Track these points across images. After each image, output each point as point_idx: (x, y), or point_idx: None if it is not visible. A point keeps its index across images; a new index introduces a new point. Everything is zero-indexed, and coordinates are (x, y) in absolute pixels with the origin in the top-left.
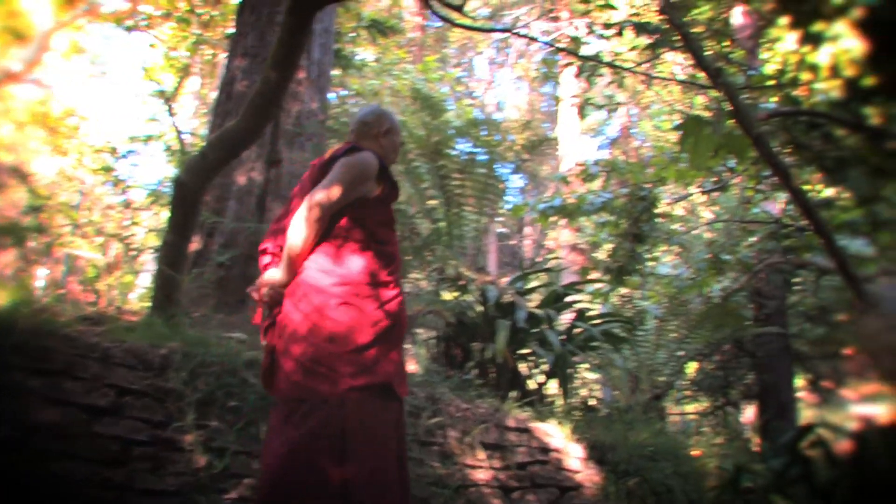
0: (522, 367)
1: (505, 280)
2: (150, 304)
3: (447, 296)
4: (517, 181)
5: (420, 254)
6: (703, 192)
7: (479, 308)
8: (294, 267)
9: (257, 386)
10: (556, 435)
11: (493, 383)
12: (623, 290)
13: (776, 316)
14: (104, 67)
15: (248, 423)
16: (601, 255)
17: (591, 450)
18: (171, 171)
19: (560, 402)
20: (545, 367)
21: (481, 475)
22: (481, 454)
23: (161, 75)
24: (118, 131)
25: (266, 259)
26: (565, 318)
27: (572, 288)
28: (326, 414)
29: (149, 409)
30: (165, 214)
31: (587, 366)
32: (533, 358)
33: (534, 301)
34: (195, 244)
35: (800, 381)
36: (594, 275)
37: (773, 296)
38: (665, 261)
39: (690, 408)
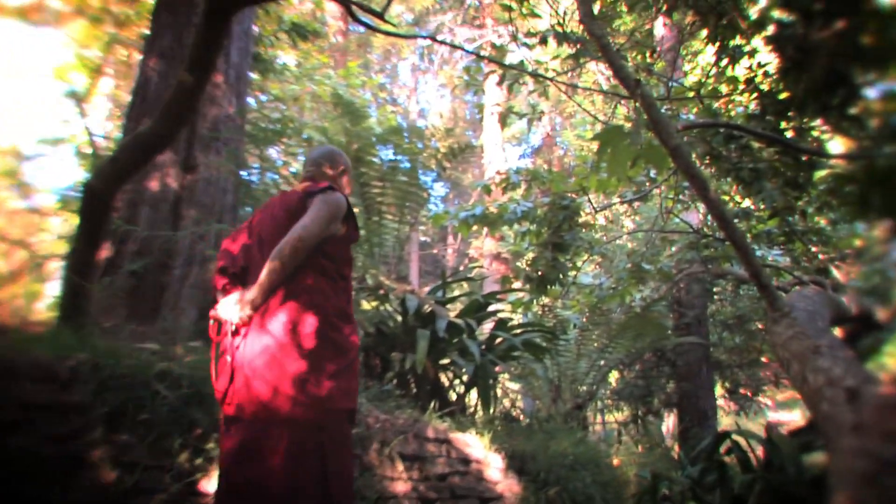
0: (443, 378)
1: (426, 289)
2: (57, 313)
3: (367, 305)
4: (439, 189)
5: None
6: (624, 202)
7: (399, 318)
8: (270, 292)
9: (170, 398)
10: (477, 446)
11: (412, 394)
12: (545, 300)
13: (696, 325)
14: (10, 66)
15: (159, 437)
16: (523, 264)
17: (512, 460)
18: (81, 175)
19: (481, 412)
20: (466, 377)
21: (400, 487)
22: (400, 466)
23: (72, 75)
24: (26, 133)
25: (222, 280)
26: (487, 327)
27: (494, 297)
28: (304, 437)
29: (55, 423)
30: (75, 221)
31: (508, 376)
32: (453, 368)
33: (455, 310)
34: (106, 252)
35: (719, 390)
36: (516, 284)
37: (692, 305)
38: (587, 270)
39: (612, 417)
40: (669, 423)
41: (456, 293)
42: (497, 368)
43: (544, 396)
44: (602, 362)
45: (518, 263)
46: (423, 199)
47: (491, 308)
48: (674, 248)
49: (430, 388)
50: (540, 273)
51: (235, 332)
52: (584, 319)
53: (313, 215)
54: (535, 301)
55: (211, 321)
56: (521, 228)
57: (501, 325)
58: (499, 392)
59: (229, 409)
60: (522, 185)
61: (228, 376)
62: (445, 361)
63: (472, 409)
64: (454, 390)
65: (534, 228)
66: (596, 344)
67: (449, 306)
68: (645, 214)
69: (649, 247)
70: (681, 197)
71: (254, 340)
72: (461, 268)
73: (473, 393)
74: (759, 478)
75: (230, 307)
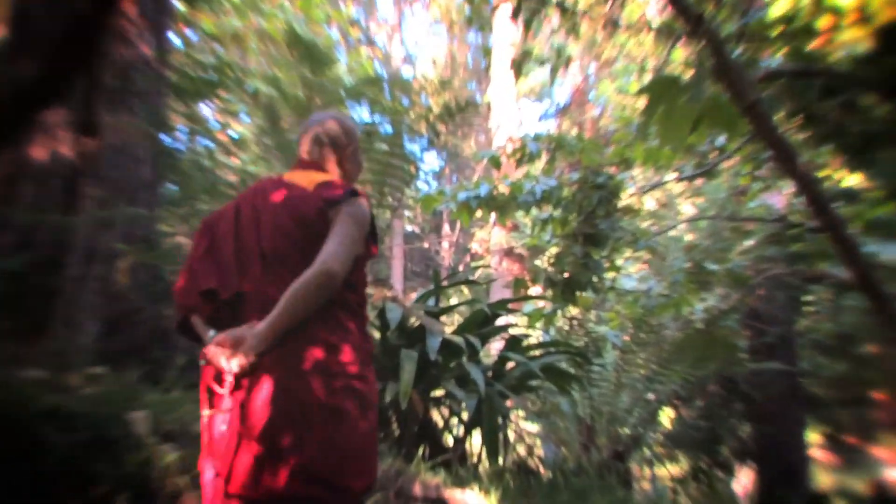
0: (435, 415)
1: (413, 296)
2: None
3: None
4: (432, 162)
5: None
6: (681, 180)
7: (377, 334)
8: (283, 336)
9: (61, 446)
10: None
11: (394, 437)
12: (573, 311)
13: (780, 347)
14: None
15: (43, 499)
16: (543, 262)
17: None
18: None
19: (486, 462)
20: (466, 414)
21: None
22: None
23: None
24: None
25: (206, 307)
26: (494, 347)
27: (504, 307)
28: None
29: None
30: None
31: (523, 413)
32: (449, 402)
33: (452, 325)
34: None
35: (813, 435)
36: (534, 290)
37: (775, 319)
38: (630, 271)
39: (664, 471)
40: (744, 480)
41: (454, 301)
42: (508, 403)
43: (572, 441)
44: (651, 396)
45: (537, 262)
46: (410, 176)
47: (500, 322)
48: (749, 242)
49: (417, 429)
50: (566, 275)
51: (235, 385)
52: (627, 338)
53: (344, 240)
54: (559, 312)
55: (202, 362)
56: (542, 215)
57: (514, 344)
58: (511, 435)
59: (234, 488)
60: (543, 157)
61: (231, 445)
62: (439, 393)
63: (474, 458)
64: (450, 432)
65: (558, 214)
66: (643, 371)
67: (444, 319)
68: (710, 196)
69: (715, 240)
70: (759, 172)
71: (267, 398)
72: (460, 268)
73: (476, 436)
74: None
75: (230, 348)
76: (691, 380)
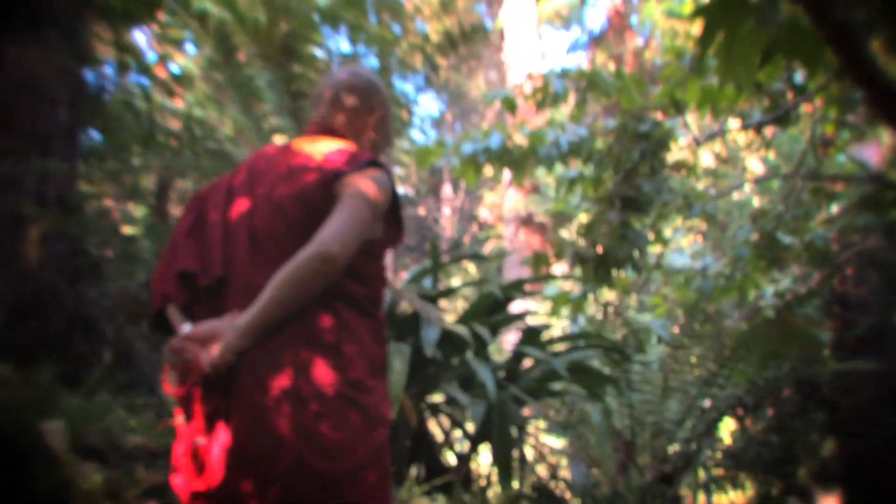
0: (432, 426)
1: (404, 275)
2: None
3: None
4: (429, 105)
5: None
6: (747, 128)
7: None
8: (269, 330)
9: None
10: None
11: None
12: (607, 295)
13: (874, 341)
14: None
15: None
16: (571, 233)
17: None
18: None
19: (497, 485)
20: (472, 425)
21: None
22: None
23: None
24: None
25: (181, 294)
26: (508, 340)
27: (520, 289)
28: None
29: None
30: None
31: (544, 424)
32: (451, 409)
33: (455, 312)
34: None
35: None
36: (558, 268)
37: (867, 306)
38: (681, 244)
39: (725, 498)
40: None
41: (456, 282)
42: (526, 411)
43: (606, 461)
44: (707, 403)
45: (563, 232)
46: (401, 123)
47: (515, 308)
48: (835, 208)
49: (411, 444)
50: (600, 249)
51: (213, 387)
52: (676, 329)
53: (349, 219)
54: (590, 297)
55: (169, 358)
56: (569, 172)
57: (533, 336)
58: (528, 452)
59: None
60: (571, 98)
61: (210, 461)
62: (438, 398)
63: (482, 481)
64: (452, 447)
65: (590, 172)
66: (696, 371)
67: (444, 304)
68: (784, 149)
69: (791, 205)
70: (849, 118)
71: (246, 405)
72: (465, 240)
73: (485, 452)
74: None
75: (203, 344)
76: (759, 383)
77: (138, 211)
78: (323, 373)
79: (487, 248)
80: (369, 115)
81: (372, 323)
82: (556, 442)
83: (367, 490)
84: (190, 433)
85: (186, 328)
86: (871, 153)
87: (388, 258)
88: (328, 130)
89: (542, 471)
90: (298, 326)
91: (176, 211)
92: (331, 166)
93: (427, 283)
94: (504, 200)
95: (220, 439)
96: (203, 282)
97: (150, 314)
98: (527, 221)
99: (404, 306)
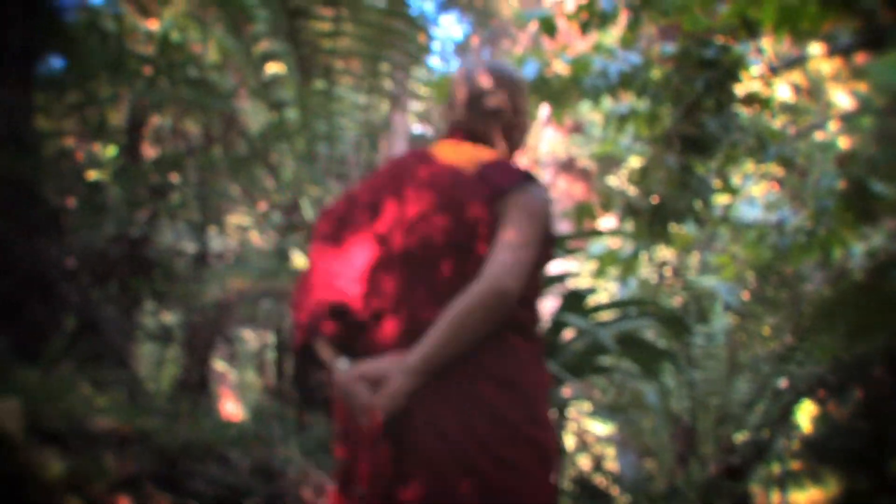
0: None
1: None
2: None
3: (300, 259)
4: (452, 27)
5: (245, 172)
6: (836, 54)
7: None
8: (440, 371)
9: None
10: None
11: None
12: (664, 253)
13: None
14: None
15: None
16: (620, 180)
17: None
18: None
19: None
20: None
21: None
22: None
23: None
24: None
25: (331, 326)
26: (545, 306)
27: (560, 246)
28: None
29: None
30: None
31: (588, 406)
32: None
33: None
34: None
35: None
36: (605, 221)
37: None
38: (753, 194)
39: (802, 496)
40: None
41: None
42: (566, 391)
43: (662, 450)
44: (782, 383)
45: (611, 179)
46: (418, 49)
47: (554, 270)
48: None
49: None
50: (656, 199)
51: (383, 430)
52: (746, 295)
53: (519, 247)
54: (644, 255)
55: (339, 394)
56: (619, 108)
57: (575, 302)
58: (568, 439)
59: None
60: (622, 18)
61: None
62: None
63: None
64: None
65: (644, 107)
66: (770, 345)
67: None
68: (879, 79)
69: (886, 147)
70: None
71: (422, 450)
72: None
73: None
74: None
75: (373, 384)
76: (845, 360)
77: (106, 152)
78: (502, 411)
79: None
80: (516, 118)
81: (536, 347)
82: (603, 428)
83: None
84: (356, 474)
85: (343, 364)
86: None
87: None
88: (471, 134)
89: (584, 462)
90: (470, 361)
91: (150, 151)
92: (492, 183)
93: None
94: (541, 141)
95: (396, 486)
96: (355, 313)
97: (295, 347)
98: (568, 166)
99: None
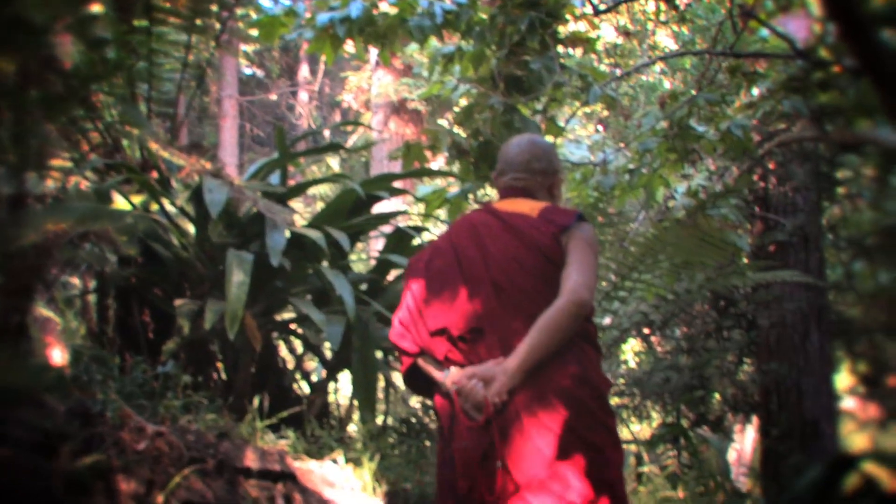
0: (282, 349)
1: (249, 171)
2: None
3: (121, 202)
4: None
5: (63, 112)
6: None
7: (192, 227)
8: (534, 370)
9: None
10: (349, 485)
11: (219, 382)
12: (491, 192)
13: (800, 247)
14: None
15: None
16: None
17: None
18: None
19: (358, 420)
20: (328, 348)
21: None
22: None
23: None
24: None
25: (443, 345)
26: (373, 247)
27: (387, 186)
28: None
29: None
30: None
31: None
32: (304, 330)
33: (308, 214)
34: None
35: (843, 377)
36: (435, 163)
37: (792, 206)
38: (579, 133)
39: (627, 430)
40: (745, 442)
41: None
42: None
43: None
44: (606, 320)
45: (440, 120)
46: None
47: (381, 209)
48: (755, 91)
49: (255, 371)
50: (482, 139)
51: (488, 420)
52: None
53: (587, 268)
54: (471, 195)
55: (443, 395)
56: (445, 47)
57: (401, 242)
58: (395, 380)
59: None
60: None
61: (493, 480)
62: (290, 315)
63: (340, 415)
64: (305, 374)
65: (471, 46)
66: (611, 274)
67: (296, 203)
68: (699, 22)
69: (706, 87)
70: None
71: (526, 434)
72: (326, 133)
73: (344, 381)
74: None
75: (486, 383)
76: (667, 297)
77: None
78: (583, 402)
79: (351, 140)
80: (555, 176)
81: (599, 355)
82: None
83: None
84: (470, 454)
85: (445, 374)
86: (798, 26)
87: (229, 155)
88: (524, 192)
89: (415, 402)
90: (555, 362)
91: None
92: (555, 222)
93: (274, 179)
94: (372, 84)
95: (501, 457)
96: (455, 333)
97: (402, 371)
98: (399, 109)
99: (245, 206)
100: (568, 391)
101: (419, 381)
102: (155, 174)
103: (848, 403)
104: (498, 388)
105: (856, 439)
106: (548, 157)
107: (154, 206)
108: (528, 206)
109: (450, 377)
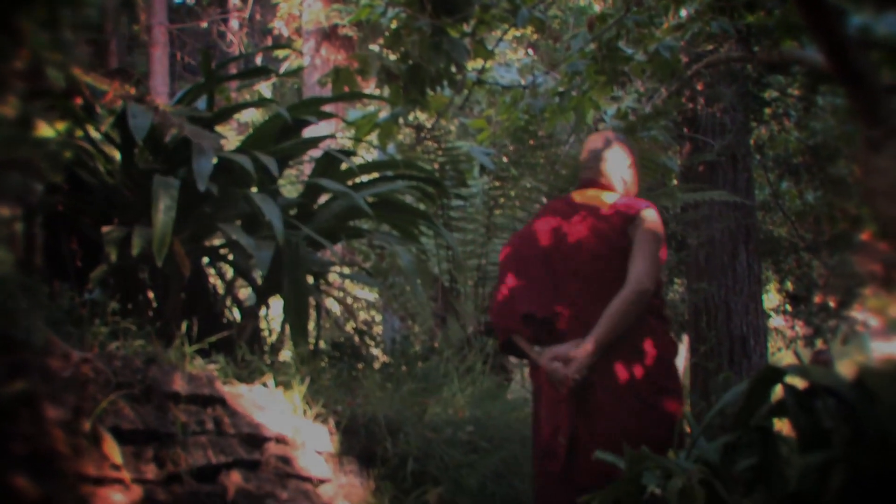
0: (211, 275)
1: (176, 95)
2: None
3: (46, 128)
4: None
5: None
6: None
7: (117, 154)
8: (608, 346)
9: None
10: (279, 409)
11: (148, 309)
12: (421, 117)
13: (728, 166)
14: None
15: None
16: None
17: (351, 436)
18: None
19: (289, 343)
20: (258, 273)
21: (117, 497)
22: (116, 453)
23: None
24: None
25: (528, 328)
26: (301, 171)
27: (316, 111)
28: None
29: None
30: None
31: (347, 270)
32: (232, 255)
33: (236, 139)
34: None
35: (773, 295)
36: (366, 88)
37: (720, 127)
38: (509, 57)
39: None
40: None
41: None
42: (325, 255)
43: (423, 312)
44: None
45: (371, 46)
46: None
47: (310, 132)
48: (683, 13)
49: (185, 297)
50: (411, 62)
51: (576, 391)
52: (505, 158)
53: (650, 257)
54: (401, 120)
55: (533, 368)
56: None
57: (331, 166)
58: (331, 304)
59: (577, 477)
60: None
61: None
62: (216, 242)
63: (271, 338)
64: (235, 299)
65: None
66: (528, 207)
67: (224, 130)
68: None
69: (633, 9)
70: None
71: (600, 404)
72: (257, 59)
73: (275, 306)
74: (841, 459)
75: (565, 362)
76: None
77: None
78: (649, 372)
79: (283, 67)
80: (629, 168)
81: (665, 323)
82: (365, 294)
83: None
84: (556, 425)
85: (538, 350)
86: None
87: (160, 84)
88: (601, 183)
89: (350, 328)
90: (626, 341)
91: None
92: (624, 214)
93: (200, 104)
94: (303, 11)
95: (585, 427)
96: (539, 316)
97: (499, 343)
98: (330, 35)
99: (172, 130)
100: (636, 365)
101: (516, 351)
102: (79, 100)
103: (773, 319)
104: (577, 367)
105: (783, 357)
106: (623, 149)
107: (79, 133)
108: (601, 198)
109: (541, 355)
